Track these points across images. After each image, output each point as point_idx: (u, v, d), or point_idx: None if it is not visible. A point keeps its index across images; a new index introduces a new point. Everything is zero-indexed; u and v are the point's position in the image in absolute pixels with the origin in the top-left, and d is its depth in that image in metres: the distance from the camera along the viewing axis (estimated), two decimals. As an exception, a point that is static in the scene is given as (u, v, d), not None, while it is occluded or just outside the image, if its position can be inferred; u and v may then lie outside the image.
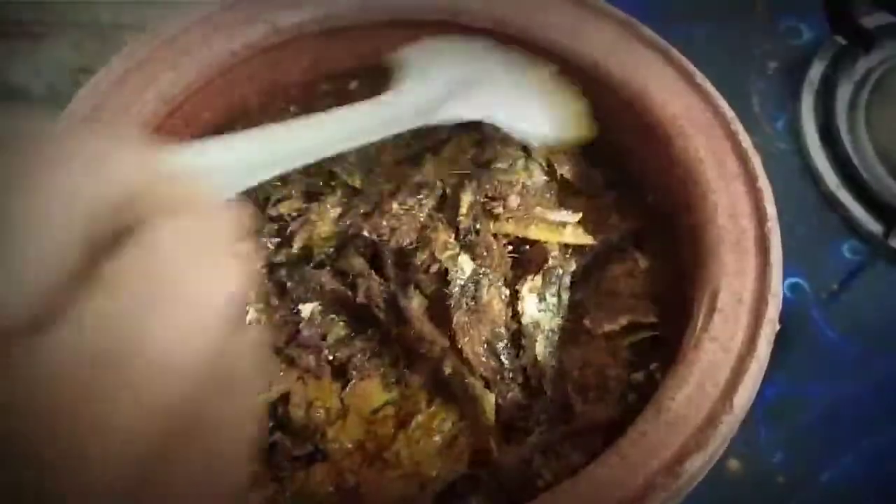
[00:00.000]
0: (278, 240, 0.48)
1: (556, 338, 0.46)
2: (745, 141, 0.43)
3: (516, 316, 0.46)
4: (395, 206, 0.47)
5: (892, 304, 0.59)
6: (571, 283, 0.48)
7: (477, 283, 0.46)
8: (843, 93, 0.65)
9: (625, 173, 0.51)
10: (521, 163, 0.50)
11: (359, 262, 0.47)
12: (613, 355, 0.46)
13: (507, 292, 0.47)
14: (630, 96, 0.45)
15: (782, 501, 0.53)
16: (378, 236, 0.46)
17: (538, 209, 0.48)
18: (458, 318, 0.45)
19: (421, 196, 0.48)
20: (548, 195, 0.50)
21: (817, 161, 0.63)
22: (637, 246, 0.49)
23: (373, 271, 0.46)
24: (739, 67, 0.68)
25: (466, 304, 0.45)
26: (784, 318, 0.40)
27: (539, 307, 0.46)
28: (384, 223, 0.46)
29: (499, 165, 0.49)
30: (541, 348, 0.45)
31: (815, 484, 0.53)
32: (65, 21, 0.69)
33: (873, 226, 0.60)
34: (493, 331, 0.45)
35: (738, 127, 0.43)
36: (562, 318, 0.47)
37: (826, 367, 0.57)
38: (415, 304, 0.46)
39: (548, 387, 0.44)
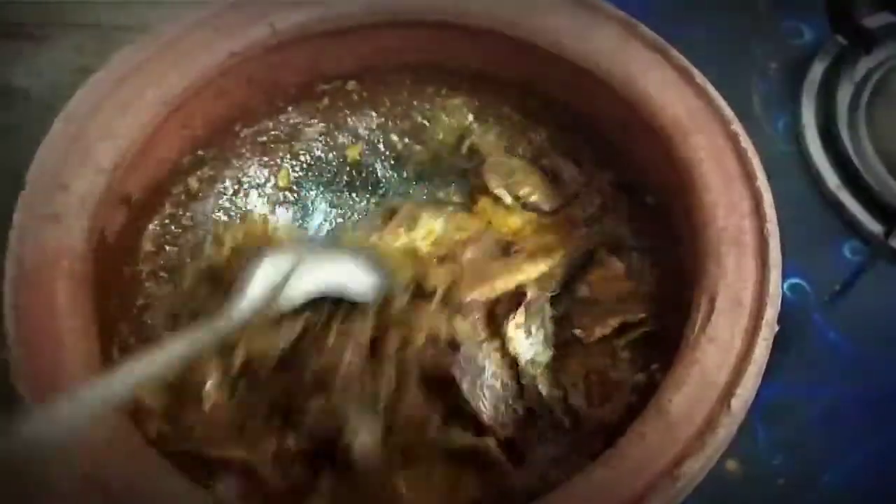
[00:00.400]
0: None
1: (551, 372, 0.46)
2: (745, 142, 0.43)
3: (510, 358, 0.46)
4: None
5: (893, 304, 0.59)
6: (552, 297, 0.48)
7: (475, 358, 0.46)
8: (844, 93, 0.65)
9: (624, 174, 0.51)
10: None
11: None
12: (612, 357, 0.46)
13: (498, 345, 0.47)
14: (630, 97, 0.45)
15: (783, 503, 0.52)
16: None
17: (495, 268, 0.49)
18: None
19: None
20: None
21: (818, 161, 0.63)
22: (613, 251, 0.50)
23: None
24: (740, 68, 0.68)
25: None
26: (784, 318, 0.40)
27: (529, 342, 0.47)
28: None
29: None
30: (544, 384, 0.46)
31: (815, 486, 0.53)
32: (66, 22, 0.69)
33: (874, 226, 0.60)
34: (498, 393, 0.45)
35: (738, 128, 0.43)
36: (551, 347, 0.47)
37: (826, 368, 0.57)
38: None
39: (555, 410, 0.45)
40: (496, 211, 0.53)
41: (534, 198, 0.53)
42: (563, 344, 0.48)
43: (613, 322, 0.47)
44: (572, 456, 0.43)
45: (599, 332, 0.47)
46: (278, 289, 0.42)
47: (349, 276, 0.46)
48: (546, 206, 0.53)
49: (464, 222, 0.53)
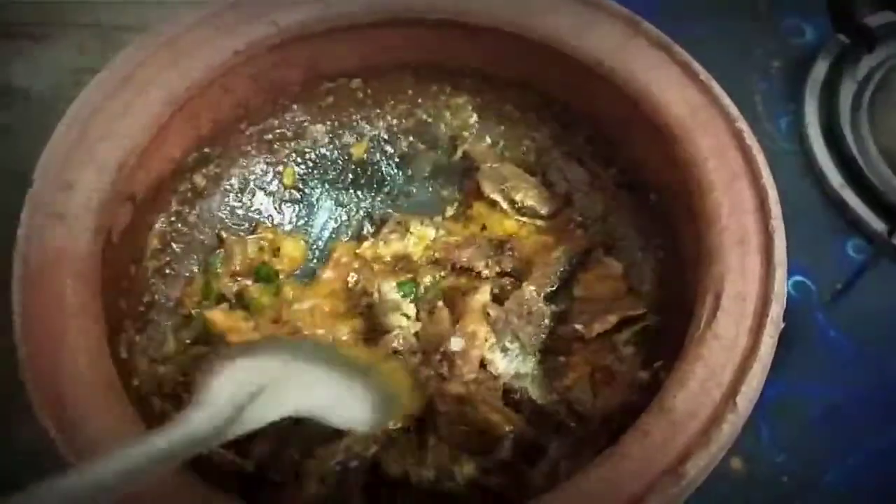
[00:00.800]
0: None
1: (541, 375, 0.47)
2: (750, 139, 0.42)
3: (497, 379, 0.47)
4: None
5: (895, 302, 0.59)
6: (553, 292, 0.49)
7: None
8: (847, 92, 0.65)
9: (627, 172, 0.51)
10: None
11: None
12: (615, 353, 0.46)
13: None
14: (634, 95, 0.45)
15: (786, 502, 0.52)
16: None
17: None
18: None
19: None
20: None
21: (821, 160, 0.63)
22: (610, 251, 0.51)
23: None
24: (742, 66, 0.68)
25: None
26: (787, 316, 0.40)
27: (507, 358, 0.47)
28: None
29: None
30: (536, 393, 0.46)
31: (819, 484, 0.53)
32: (66, 22, 0.69)
33: (877, 224, 0.60)
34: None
35: (742, 126, 0.43)
36: (534, 353, 0.48)
37: (829, 367, 0.57)
38: None
39: (560, 417, 0.45)
40: (491, 215, 0.54)
41: (529, 202, 0.53)
42: (564, 342, 0.49)
43: (612, 318, 0.47)
44: (583, 452, 0.43)
45: (599, 327, 0.47)
46: (244, 406, 0.35)
47: (337, 399, 0.39)
48: (543, 210, 0.53)
49: (455, 228, 0.53)
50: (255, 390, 0.36)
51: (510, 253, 0.51)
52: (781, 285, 0.39)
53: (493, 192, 0.53)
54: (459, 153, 0.56)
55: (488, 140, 0.56)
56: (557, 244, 0.51)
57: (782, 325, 0.39)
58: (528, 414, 0.46)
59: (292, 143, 0.54)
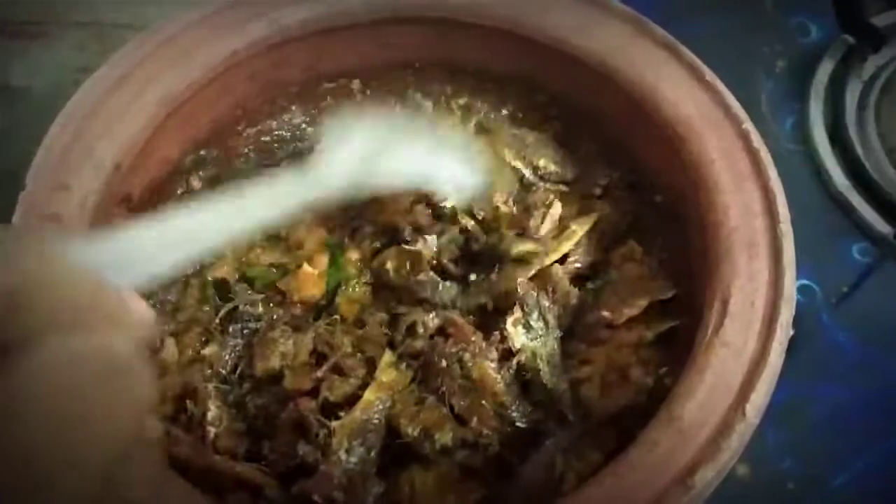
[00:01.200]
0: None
1: (558, 358, 0.45)
2: (757, 140, 0.42)
3: (511, 357, 0.45)
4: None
5: (902, 305, 0.59)
6: (586, 279, 0.47)
7: (461, 360, 0.44)
8: (853, 92, 0.64)
9: (632, 173, 0.50)
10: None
11: None
12: (637, 353, 0.45)
13: (495, 355, 0.45)
14: (640, 95, 0.45)
15: (793, 508, 0.52)
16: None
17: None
18: (458, 403, 0.43)
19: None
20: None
21: (826, 161, 0.62)
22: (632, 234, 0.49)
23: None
24: (747, 66, 0.67)
25: (460, 386, 0.44)
26: (794, 320, 0.39)
27: (528, 336, 0.46)
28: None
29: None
30: (547, 376, 0.45)
31: (825, 490, 0.52)
32: (66, 21, 0.69)
33: (883, 227, 0.60)
34: (497, 400, 0.44)
35: (749, 126, 0.42)
36: (555, 336, 0.46)
37: (835, 370, 0.56)
38: None
39: (562, 405, 0.44)
40: None
41: (552, 167, 0.51)
42: (590, 328, 0.47)
43: (642, 302, 0.45)
44: (583, 449, 0.42)
45: (628, 312, 0.45)
46: (369, 160, 0.36)
47: (443, 168, 0.41)
48: (567, 175, 0.52)
49: None
50: (381, 149, 0.37)
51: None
52: (791, 290, 0.38)
53: (515, 159, 0.51)
54: (472, 122, 0.54)
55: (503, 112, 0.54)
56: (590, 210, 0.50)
57: (792, 332, 0.38)
58: (535, 396, 0.45)
59: (290, 146, 0.54)
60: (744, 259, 0.39)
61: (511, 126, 0.53)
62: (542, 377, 0.45)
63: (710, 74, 0.44)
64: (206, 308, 0.49)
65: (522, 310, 0.46)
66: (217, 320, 0.47)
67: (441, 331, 0.45)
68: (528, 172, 0.51)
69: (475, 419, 0.42)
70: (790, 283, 0.38)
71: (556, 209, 0.48)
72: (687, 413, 0.35)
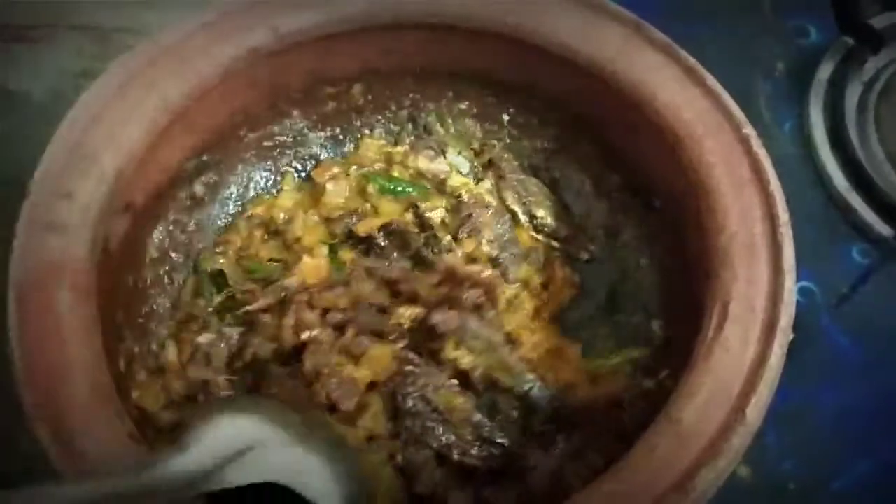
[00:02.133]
0: None
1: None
2: (757, 144, 0.42)
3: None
4: None
5: (902, 307, 0.59)
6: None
7: (424, 397, 0.45)
8: (852, 94, 0.64)
9: (632, 177, 0.50)
10: None
11: None
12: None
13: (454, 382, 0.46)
14: (639, 100, 0.45)
15: (793, 509, 0.52)
16: None
17: None
18: (437, 441, 0.44)
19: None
20: None
21: (826, 164, 0.62)
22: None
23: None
24: (747, 68, 0.67)
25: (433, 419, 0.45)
26: (793, 322, 0.39)
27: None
28: None
29: None
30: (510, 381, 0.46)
31: (826, 492, 0.52)
32: (65, 25, 0.69)
33: (883, 229, 0.60)
34: (471, 423, 0.45)
35: (749, 131, 0.42)
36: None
37: (836, 372, 0.56)
38: None
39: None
40: None
41: (549, 220, 0.53)
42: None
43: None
44: (584, 451, 0.43)
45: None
46: (227, 462, 0.35)
47: (314, 475, 0.39)
48: (561, 232, 0.53)
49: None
50: (241, 449, 0.36)
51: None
52: (791, 294, 0.39)
53: (515, 204, 0.53)
54: (486, 159, 0.55)
55: (507, 148, 0.55)
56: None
57: (792, 336, 0.38)
58: (508, 409, 0.46)
59: (292, 151, 0.54)
60: (744, 263, 0.39)
61: (519, 170, 0.55)
62: (504, 383, 0.46)
63: (709, 79, 0.44)
64: (202, 301, 0.49)
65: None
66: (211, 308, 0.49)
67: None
68: (524, 219, 0.53)
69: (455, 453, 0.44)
70: (790, 288, 0.38)
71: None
72: (687, 416, 0.35)
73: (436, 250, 0.50)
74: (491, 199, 0.53)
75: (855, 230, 0.61)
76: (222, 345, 0.47)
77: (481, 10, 0.48)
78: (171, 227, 0.49)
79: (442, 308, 0.45)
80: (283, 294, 0.47)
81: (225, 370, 0.46)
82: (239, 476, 0.36)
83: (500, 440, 0.44)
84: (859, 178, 0.61)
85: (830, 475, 0.53)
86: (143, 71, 0.44)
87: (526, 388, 0.46)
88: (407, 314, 0.46)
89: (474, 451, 0.44)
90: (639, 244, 0.51)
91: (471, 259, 0.50)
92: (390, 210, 0.52)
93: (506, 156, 0.55)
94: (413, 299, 0.47)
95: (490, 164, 0.55)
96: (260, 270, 0.50)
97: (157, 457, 0.34)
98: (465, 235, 0.51)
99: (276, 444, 0.38)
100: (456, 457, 0.44)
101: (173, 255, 0.50)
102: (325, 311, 0.46)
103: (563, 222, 0.53)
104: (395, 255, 0.50)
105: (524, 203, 0.53)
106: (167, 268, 0.49)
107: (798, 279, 0.57)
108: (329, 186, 0.52)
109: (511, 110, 0.54)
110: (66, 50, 0.68)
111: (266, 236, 0.52)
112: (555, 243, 0.53)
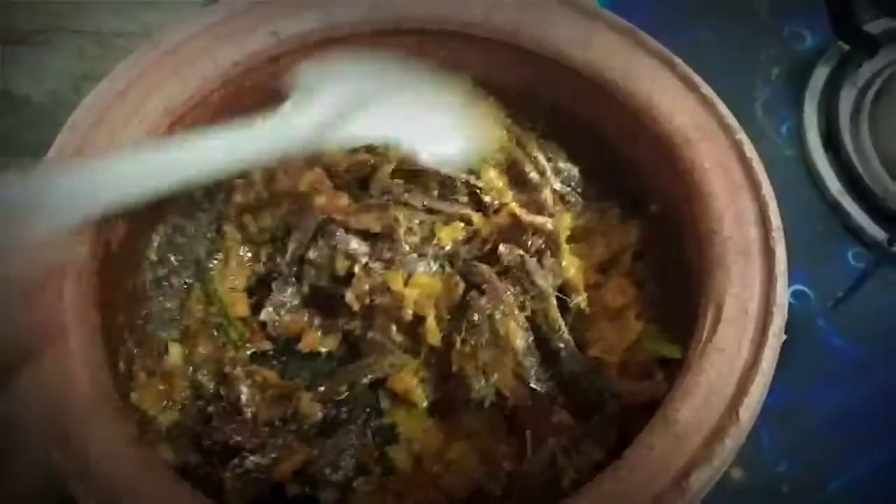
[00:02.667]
0: None
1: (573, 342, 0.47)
2: (750, 150, 0.42)
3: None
4: None
5: (896, 310, 0.59)
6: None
7: (490, 317, 0.46)
8: (847, 98, 0.64)
9: (628, 182, 0.50)
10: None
11: None
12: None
13: (524, 316, 0.47)
14: (635, 106, 0.45)
15: (788, 511, 0.52)
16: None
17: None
18: (482, 356, 0.45)
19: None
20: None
21: (821, 167, 0.63)
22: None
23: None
24: (743, 73, 0.67)
25: (487, 341, 0.46)
26: (789, 325, 0.40)
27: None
28: None
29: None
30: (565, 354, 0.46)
31: (821, 494, 0.53)
32: (66, 28, 0.69)
33: (877, 232, 0.60)
34: (518, 361, 0.46)
35: (742, 136, 0.43)
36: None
37: (831, 375, 0.56)
38: None
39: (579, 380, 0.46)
40: None
41: (575, 172, 0.52)
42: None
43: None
44: (583, 444, 0.43)
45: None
46: (347, 115, 0.34)
47: (429, 131, 0.38)
48: (589, 189, 0.53)
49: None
50: (361, 101, 0.35)
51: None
52: (783, 297, 0.39)
53: (538, 151, 0.52)
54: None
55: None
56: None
57: (785, 337, 0.39)
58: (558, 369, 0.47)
59: (292, 154, 0.54)
60: (737, 267, 0.39)
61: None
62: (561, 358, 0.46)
63: (704, 86, 0.44)
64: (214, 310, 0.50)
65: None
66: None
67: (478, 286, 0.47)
68: (549, 167, 0.52)
69: (496, 374, 0.45)
70: (783, 291, 0.39)
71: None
72: (682, 417, 0.36)
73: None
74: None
75: (849, 233, 0.61)
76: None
77: (481, 16, 0.48)
78: (171, 231, 0.50)
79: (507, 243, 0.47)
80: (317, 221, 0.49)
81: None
82: (359, 132, 0.35)
83: (534, 386, 0.46)
84: (853, 181, 0.61)
85: (825, 477, 0.53)
86: (143, 75, 0.45)
87: (559, 345, 0.47)
88: (451, 235, 0.48)
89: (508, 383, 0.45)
90: (636, 247, 0.51)
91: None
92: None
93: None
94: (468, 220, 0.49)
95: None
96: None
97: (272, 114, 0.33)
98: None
99: (394, 99, 0.37)
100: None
101: (173, 258, 0.50)
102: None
103: (592, 183, 0.53)
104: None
105: (549, 157, 0.52)
106: (167, 271, 0.49)
107: (793, 282, 0.58)
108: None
109: (509, 117, 0.54)
110: (67, 53, 0.68)
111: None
112: (582, 201, 0.52)
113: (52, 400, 0.37)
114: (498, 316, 0.46)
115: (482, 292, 0.47)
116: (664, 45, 0.47)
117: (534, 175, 0.51)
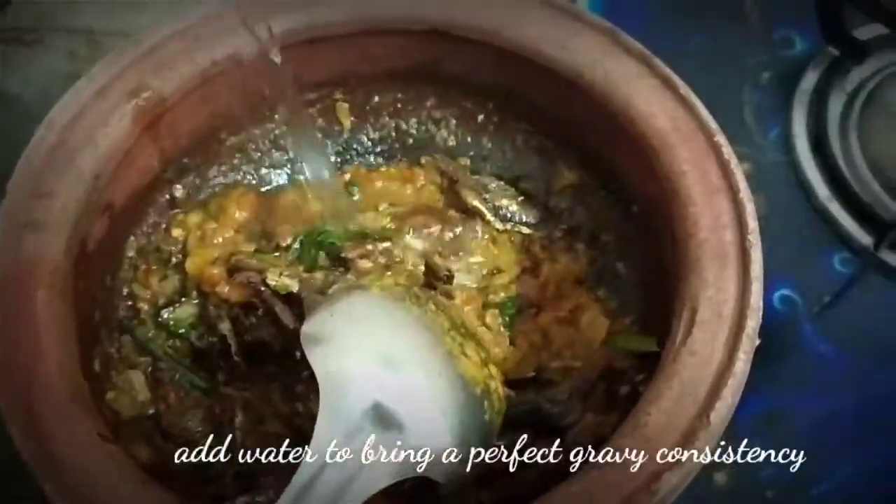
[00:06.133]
0: None
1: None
2: (729, 153, 0.42)
3: None
4: None
5: (883, 316, 0.59)
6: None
7: None
8: (836, 104, 0.64)
9: (609, 183, 0.50)
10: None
11: None
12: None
13: None
14: (614, 107, 0.45)
15: (771, 517, 0.52)
16: None
17: None
18: None
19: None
20: None
21: (809, 173, 0.63)
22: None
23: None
24: (732, 77, 0.68)
25: None
26: (775, 330, 0.40)
27: None
28: None
29: None
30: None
31: (805, 499, 0.52)
32: (57, 28, 0.69)
33: (864, 238, 0.60)
34: None
35: (721, 139, 0.43)
36: None
37: (817, 380, 0.56)
38: None
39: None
40: None
41: (514, 208, 0.53)
42: None
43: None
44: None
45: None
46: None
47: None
48: (529, 217, 0.53)
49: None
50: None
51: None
52: (758, 301, 0.39)
53: (475, 200, 0.53)
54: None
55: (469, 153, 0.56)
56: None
57: (759, 341, 0.39)
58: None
59: (273, 154, 0.54)
60: (712, 270, 0.39)
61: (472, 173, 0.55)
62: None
63: (683, 87, 0.44)
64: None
65: None
66: None
67: None
68: (489, 215, 0.53)
69: None
70: (757, 294, 0.39)
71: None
72: (652, 420, 0.36)
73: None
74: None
75: (836, 239, 0.61)
76: None
77: (463, 16, 0.48)
78: (149, 230, 0.50)
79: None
80: None
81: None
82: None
83: None
84: (841, 187, 0.61)
85: (809, 483, 0.53)
86: (123, 73, 0.45)
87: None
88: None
89: None
90: (617, 248, 0.51)
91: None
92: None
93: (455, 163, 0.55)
94: None
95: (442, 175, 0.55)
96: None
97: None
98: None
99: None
100: None
101: (151, 258, 0.50)
102: None
103: (531, 209, 0.53)
104: None
105: (485, 199, 0.53)
106: (144, 271, 0.49)
107: (779, 287, 0.58)
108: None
109: (492, 115, 0.54)
110: (58, 53, 0.68)
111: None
112: (525, 230, 0.53)
113: (23, 398, 0.37)
114: None
115: None
116: (655, 51, 0.47)
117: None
